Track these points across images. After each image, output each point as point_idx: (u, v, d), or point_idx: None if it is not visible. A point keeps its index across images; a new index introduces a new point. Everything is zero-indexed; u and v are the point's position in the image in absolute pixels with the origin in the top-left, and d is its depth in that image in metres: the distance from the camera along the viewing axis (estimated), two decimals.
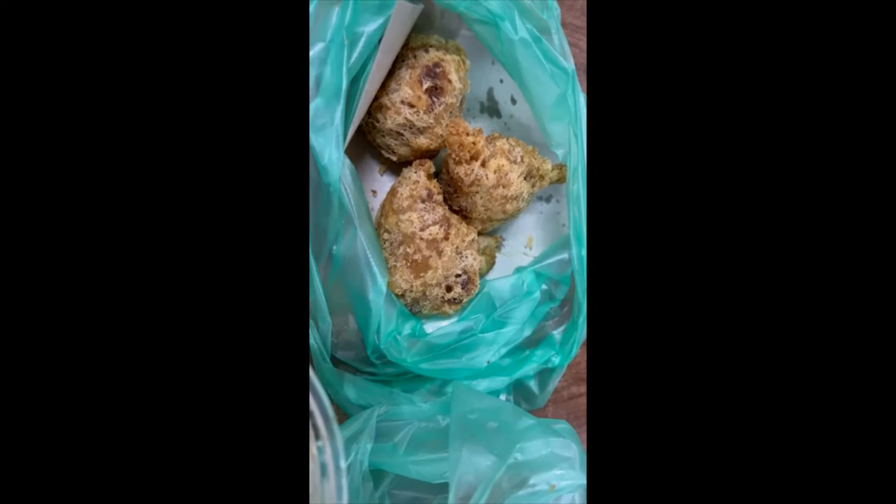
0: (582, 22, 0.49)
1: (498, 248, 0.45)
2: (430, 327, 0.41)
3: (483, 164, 0.36)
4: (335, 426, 0.22)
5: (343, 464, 0.22)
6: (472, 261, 0.38)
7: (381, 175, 0.43)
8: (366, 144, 0.42)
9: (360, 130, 0.41)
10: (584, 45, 0.49)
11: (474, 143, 0.35)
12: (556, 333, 0.46)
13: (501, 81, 0.46)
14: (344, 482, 0.22)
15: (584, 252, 0.40)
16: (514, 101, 0.46)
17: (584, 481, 0.30)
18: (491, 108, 0.46)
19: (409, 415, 0.37)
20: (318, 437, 0.23)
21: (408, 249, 0.37)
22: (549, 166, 0.41)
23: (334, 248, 0.37)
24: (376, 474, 0.37)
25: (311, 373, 0.22)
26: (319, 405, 0.22)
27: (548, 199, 0.48)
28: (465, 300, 0.40)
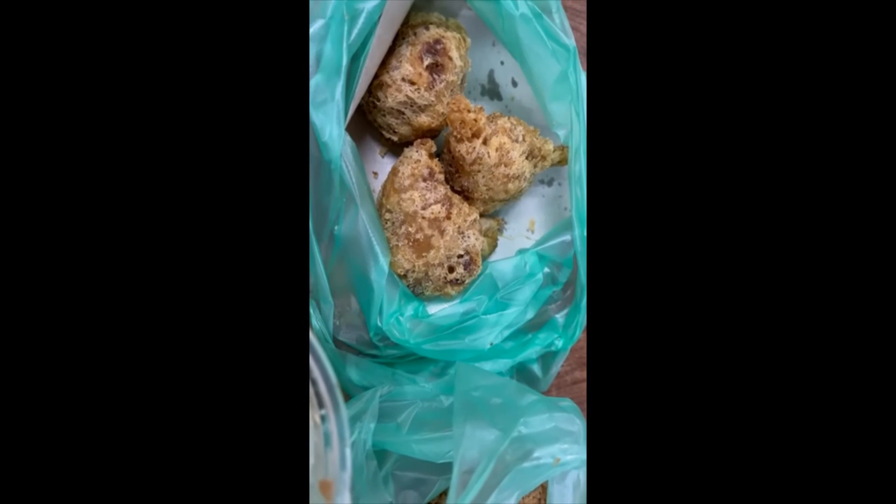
0: (582, 6, 0.49)
1: (500, 230, 0.45)
2: (433, 309, 0.41)
3: (485, 142, 0.36)
4: (339, 394, 0.22)
5: (347, 432, 0.22)
6: (475, 241, 0.38)
7: (383, 157, 0.43)
8: (366, 126, 0.42)
9: (361, 111, 0.40)
10: (584, 28, 0.49)
11: (476, 121, 0.35)
12: (559, 317, 0.45)
13: (502, 63, 0.45)
14: (348, 451, 0.22)
15: (585, 232, 0.40)
16: (514, 84, 0.46)
17: (584, 455, 0.29)
18: (492, 91, 0.45)
19: (412, 395, 0.37)
20: (321, 405, 0.22)
21: (409, 229, 0.36)
22: (550, 146, 0.41)
23: (336, 227, 0.37)
24: (380, 455, 0.37)
25: (314, 339, 0.22)
26: (323, 372, 0.22)
27: (549, 183, 0.48)
28: (467, 281, 0.40)
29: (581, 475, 0.35)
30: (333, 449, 0.22)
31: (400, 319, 0.39)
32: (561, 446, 0.29)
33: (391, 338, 0.39)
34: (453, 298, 0.41)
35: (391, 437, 0.35)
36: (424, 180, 0.36)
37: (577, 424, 0.31)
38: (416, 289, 0.40)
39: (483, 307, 0.41)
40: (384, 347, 0.41)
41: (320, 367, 0.22)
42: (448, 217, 0.37)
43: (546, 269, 0.44)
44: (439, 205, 0.36)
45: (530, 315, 0.43)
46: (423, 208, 0.36)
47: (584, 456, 0.30)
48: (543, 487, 0.40)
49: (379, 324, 0.39)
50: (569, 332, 0.44)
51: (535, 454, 0.28)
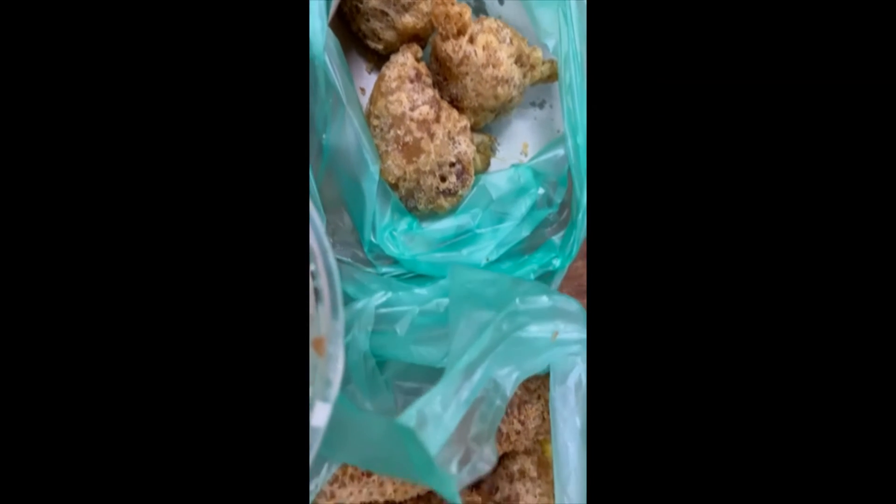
0: None
1: (492, 147, 0.44)
2: (427, 225, 0.41)
3: (471, 41, 0.36)
4: (326, 241, 0.22)
5: (337, 279, 0.21)
6: (466, 148, 0.38)
7: (369, 73, 0.42)
8: (351, 41, 0.41)
9: (345, 20, 0.40)
10: None
11: (461, 14, 0.34)
12: (556, 238, 0.45)
13: None
14: (339, 298, 0.21)
15: (580, 140, 0.40)
16: (500, 1, 0.45)
17: (585, 336, 0.29)
18: (477, 8, 0.45)
19: (408, 301, 0.36)
20: (311, 259, 0.22)
21: (398, 132, 0.36)
22: (539, 54, 0.41)
23: (323, 136, 0.36)
24: (378, 366, 0.36)
25: (313, 183, 0.22)
26: (312, 227, 0.22)
27: (541, 105, 0.47)
28: (460, 192, 0.39)
29: (582, 376, 0.35)
30: (325, 300, 0.21)
31: (394, 234, 0.39)
32: (559, 323, 0.28)
33: (386, 251, 0.39)
34: (447, 213, 0.41)
35: (389, 343, 0.35)
36: (411, 81, 0.35)
37: (575, 306, 0.30)
38: (409, 202, 0.40)
39: (477, 220, 0.40)
40: (380, 266, 0.41)
41: (310, 221, 0.22)
42: (437, 120, 0.36)
43: (541, 190, 0.44)
44: (427, 106, 0.35)
45: (525, 232, 0.43)
46: (412, 109, 0.35)
47: (583, 336, 0.29)
48: (546, 401, 0.40)
49: (373, 239, 0.39)
50: (566, 250, 0.43)
51: (533, 326, 0.28)
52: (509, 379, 0.27)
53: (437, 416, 0.24)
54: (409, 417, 0.24)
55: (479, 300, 0.31)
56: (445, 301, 0.35)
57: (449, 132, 0.37)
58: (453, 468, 0.24)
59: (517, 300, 0.29)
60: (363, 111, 0.39)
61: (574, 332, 0.29)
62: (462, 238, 0.40)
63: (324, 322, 0.21)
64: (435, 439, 0.23)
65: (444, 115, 0.36)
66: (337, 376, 0.21)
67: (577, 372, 0.34)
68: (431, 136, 0.36)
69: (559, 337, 0.28)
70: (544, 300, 0.29)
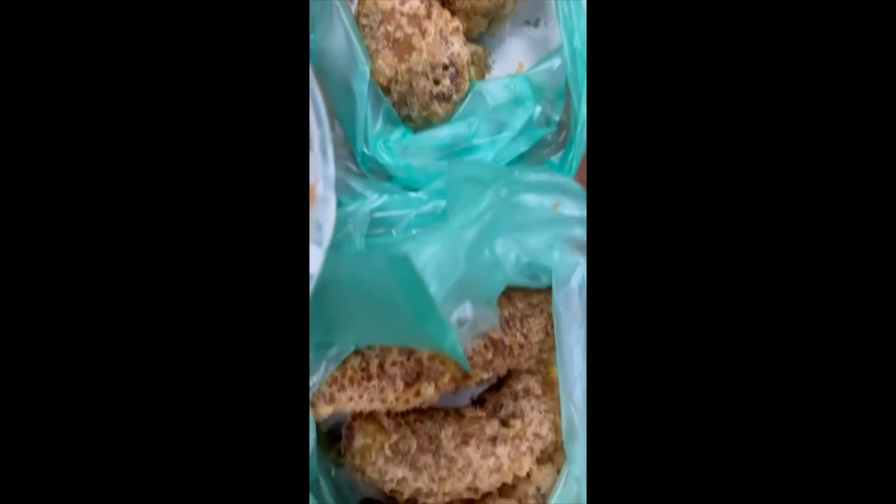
0: None
1: (486, 63, 0.43)
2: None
3: None
4: (316, 87, 0.20)
5: (326, 125, 0.20)
6: (459, 49, 0.36)
7: None
8: None
9: None
10: None
11: None
12: (555, 158, 0.44)
13: None
14: (329, 144, 0.20)
15: (577, 44, 0.38)
16: None
17: (586, 215, 0.28)
18: None
19: (404, 204, 0.35)
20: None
21: (388, 27, 0.35)
22: None
23: (312, 37, 0.35)
24: None
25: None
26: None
27: (535, 24, 0.46)
28: (454, 96, 0.38)
29: (585, 277, 0.34)
30: (314, 146, 0.20)
31: (387, 143, 0.38)
32: (560, 196, 0.27)
33: (379, 161, 0.37)
34: (442, 121, 0.39)
35: (386, 244, 0.34)
36: None
37: (576, 186, 0.29)
38: (402, 110, 0.38)
39: (474, 129, 0.39)
40: (374, 182, 0.40)
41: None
42: (428, 16, 0.35)
43: (538, 108, 0.42)
44: (417, 0, 0.34)
45: (523, 147, 0.42)
46: (402, 4, 0.34)
47: (584, 214, 0.28)
48: (549, 315, 0.39)
49: (365, 150, 0.38)
50: (565, 167, 0.42)
51: (532, 196, 0.27)
52: (508, 258, 0.26)
53: (434, 265, 0.23)
54: (406, 251, 0.23)
55: (477, 182, 0.29)
56: (443, 203, 0.34)
57: (441, 31, 0.35)
58: (453, 322, 0.23)
59: (517, 172, 0.28)
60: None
61: (575, 210, 0.28)
62: (458, 149, 0.39)
63: (314, 167, 0.20)
64: (434, 285, 0.22)
65: (435, 12, 0.35)
66: (328, 220, 0.19)
67: (580, 273, 0.33)
68: (423, 32, 0.35)
69: (560, 211, 0.27)
70: (545, 174, 0.28)
